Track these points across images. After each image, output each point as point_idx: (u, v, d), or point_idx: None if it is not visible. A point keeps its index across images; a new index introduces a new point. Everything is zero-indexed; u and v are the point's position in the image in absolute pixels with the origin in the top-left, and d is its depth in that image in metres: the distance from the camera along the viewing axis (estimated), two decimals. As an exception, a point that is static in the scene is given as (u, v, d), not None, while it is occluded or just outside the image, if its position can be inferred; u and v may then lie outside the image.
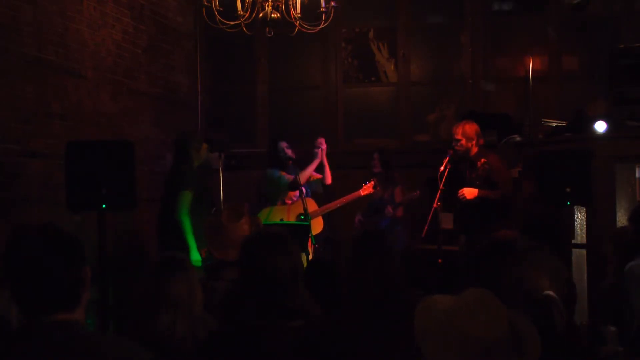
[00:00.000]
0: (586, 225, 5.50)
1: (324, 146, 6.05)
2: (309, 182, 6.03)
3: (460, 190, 5.31)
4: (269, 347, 2.12)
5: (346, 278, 3.16)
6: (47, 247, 1.78)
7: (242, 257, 2.28)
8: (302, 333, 2.15)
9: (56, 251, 1.78)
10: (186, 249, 5.15)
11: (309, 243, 5.26)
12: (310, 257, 5.33)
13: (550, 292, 2.98)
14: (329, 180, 6.12)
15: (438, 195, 5.26)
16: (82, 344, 1.76)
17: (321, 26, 4.93)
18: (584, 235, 5.54)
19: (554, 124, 6.22)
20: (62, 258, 1.78)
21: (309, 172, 5.92)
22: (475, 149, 5.42)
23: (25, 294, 1.77)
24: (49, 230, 1.81)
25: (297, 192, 5.69)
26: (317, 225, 5.91)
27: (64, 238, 1.81)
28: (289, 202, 5.94)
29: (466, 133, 5.39)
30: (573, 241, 5.49)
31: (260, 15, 4.76)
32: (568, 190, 4.74)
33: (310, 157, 6.03)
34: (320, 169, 6.08)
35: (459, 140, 5.41)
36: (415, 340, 1.71)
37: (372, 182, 6.12)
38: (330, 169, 6.17)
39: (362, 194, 6.11)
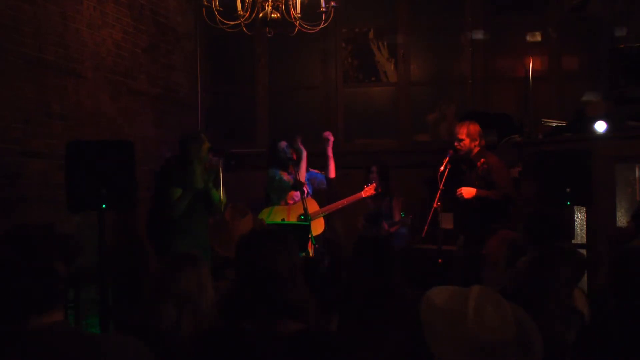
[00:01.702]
0: (586, 225, 5.50)
1: (331, 138, 6.09)
2: (313, 179, 6.04)
3: (459, 190, 5.31)
4: (262, 352, 2.10)
5: (346, 280, 3.15)
6: (12, 251, 1.75)
7: (238, 254, 2.27)
8: (299, 338, 2.13)
9: (23, 254, 1.75)
10: (177, 246, 5.12)
11: (309, 243, 5.26)
12: (311, 256, 5.33)
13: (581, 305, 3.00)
14: (332, 173, 6.14)
15: (438, 195, 5.26)
16: (74, 343, 1.74)
17: (321, 26, 4.93)
18: (584, 235, 5.54)
19: (554, 124, 6.22)
20: (30, 260, 1.75)
21: (303, 168, 5.93)
22: (476, 150, 5.42)
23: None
24: (16, 233, 1.78)
25: (298, 192, 5.69)
26: (318, 226, 5.92)
27: (31, 237, 1.78)
28: (291, 202, 5.94)
29: (470, 133, 5.39)
30: (573, 241, 5.49)
31: (260, 15, 4.76)
32: (568, 190, 4.74)
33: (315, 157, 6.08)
34: (324, 162, 6.10)
35: (462, 140, 5.40)
36: (415, 343, 1.71)
37: (374, 184, 6.12)
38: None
39: (363, 196, 6.12)
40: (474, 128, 5.42)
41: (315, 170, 6.13)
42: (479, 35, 7.47)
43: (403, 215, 6.41)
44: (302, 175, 5.84)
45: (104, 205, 4.09)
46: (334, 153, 6.25)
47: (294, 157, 5.90)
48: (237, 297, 2.19)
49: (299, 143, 5.96)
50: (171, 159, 5.88)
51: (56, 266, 1.78)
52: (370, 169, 6.40)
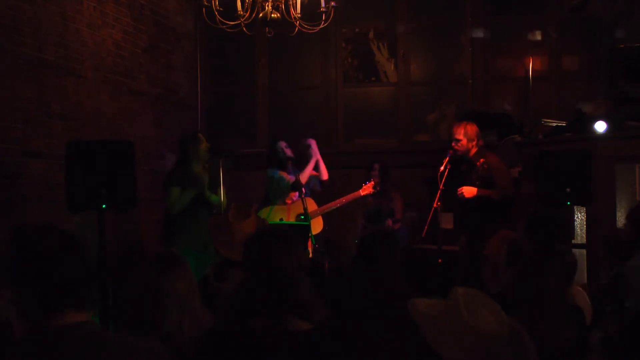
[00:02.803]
0: (586, 225, 5.50)
1: (312, 141, 6.08)
2: (307, 180, 6.03)
3: (460, 189, 5.31)
4: (271, 350, 2.11)
5: (349, 277, 3.15)
6: (58, 246, 1.76)
7: (245, 255, 2.28)
8: (307, 336, 2.14)
9: (67, 251, 1.77)
10: (178, 245, 5.17)
11: (309, 243, 5.26)
12: (310, 257, 5.33)
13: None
14: (325, 175, 6.13)
15: (438, 195, 5.25)
16: (97, 343, 1.74)
17: (321, 26, 4.93)
18: (584, 235, 5.54)
19: (554, 124, 6.22)
20: (73, 258, 1.77)
21: (308, 172, 5.93)
22: (474, 150, 5.42)
23: (35, 295, 1.74)
24: (56, 230, 1.79)
25: (297, 192, 5.70)
26: (316, 225, 5.91)
27: (71, 238, 1.80)
28: (289, 201, 5.94)
29: (467, 133, 5.40)
30: (573, 241, 5.49)
31: (260, 15, 4.76)
32: (568, 190, 4.73)
33: (306, 158, 6.05)
34: (315, 165, 6.09)
35: (459, 140, 5.41)
36: (418, 341, 1.71)
37: (372, 182, 6.11)
38: (331, 169, 6.17)
39: (362, 194, 6.11)
40: (471, 128, 5.43)
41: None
42: (479, 34, 7.46)
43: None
44: (305, 176, 5.84)
45: (104, 205, 4.09)
46: (334, 153, 6.24)
47: (292, 155, 5.90)
48: (245, 296, 2.20)
49: (310, 149, 5.95)
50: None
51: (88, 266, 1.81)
52: (372, 167, 6.40)
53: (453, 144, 5.45)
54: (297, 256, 2.23)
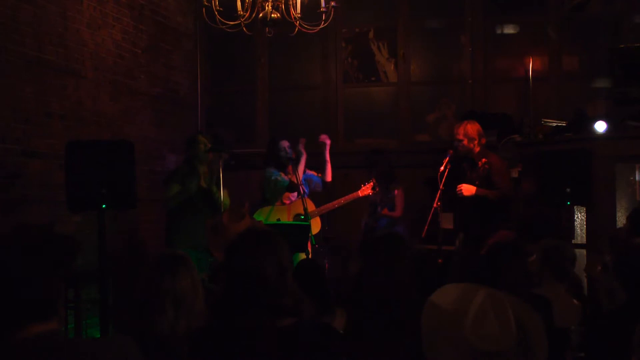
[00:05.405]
0: (586, 225, 5.50)
1: (328, 141, 6.07)
2: (309, 180, 6.01)
3: (459, 186, 5.30)
4: (256, 346, 2.10)
5: (355, 278, 3.12)
6: (15, 256, 1.72)
7: (226, 258, 2.26)
8: (293, 332, 2.13)
9: (26, 259, 1.73)
10: (179, 245, 5.17)
11: (309, 243, 5.25)
12: (310, 257, 5.33)
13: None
14: (328, 177, 6.11)
15: (438, 195, 5.24)
16: (64, 351, 1.71)
17: (321, 26, 4.93)
18: (584, 235, 5.54)
19: (554, 124, 6.22)
20: (32, 266, 1.73)
21: (301, 170, 5.89)
22: (477, 149, 5.41)
23: None
24: (18, 237, 1.76)
25: (295, 193, 5.69)
26: (314, 226, 5.89)
27: (34, 244, 1.76)
28: (287, 202, 5.92)
29: (468, 133, 5.38)
30: (573, 241, 5.49)
31: (260, 15, 4.76)
32: (568, 190, 4.74)
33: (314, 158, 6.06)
34: (321, 165, 6.08)
35: (460, 141, 5.39)
36: (419, 341, 1.70)
37: (371, 183, 6.09)
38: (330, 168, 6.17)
39: (360, 195, 6.08)
40: (472, 127, 5.42)
41: (312, 172, 6.10)
42: (478, 35, 7.46)
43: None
44: (300, 176, 5.83)
45: (104, 205, 4.10)
46: (333, 153, 6.23)
47: (294, 156, 5.88)
48: (228, 302, 2.18)
49: (301, 146, 5.95)
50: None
51: (54, 274, 1.77)
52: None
53: (455, 144, 5.44)
54: (280, 261, 2.19)
